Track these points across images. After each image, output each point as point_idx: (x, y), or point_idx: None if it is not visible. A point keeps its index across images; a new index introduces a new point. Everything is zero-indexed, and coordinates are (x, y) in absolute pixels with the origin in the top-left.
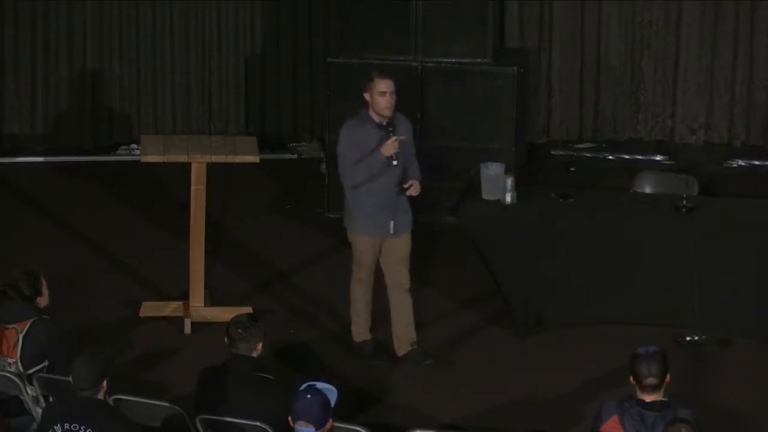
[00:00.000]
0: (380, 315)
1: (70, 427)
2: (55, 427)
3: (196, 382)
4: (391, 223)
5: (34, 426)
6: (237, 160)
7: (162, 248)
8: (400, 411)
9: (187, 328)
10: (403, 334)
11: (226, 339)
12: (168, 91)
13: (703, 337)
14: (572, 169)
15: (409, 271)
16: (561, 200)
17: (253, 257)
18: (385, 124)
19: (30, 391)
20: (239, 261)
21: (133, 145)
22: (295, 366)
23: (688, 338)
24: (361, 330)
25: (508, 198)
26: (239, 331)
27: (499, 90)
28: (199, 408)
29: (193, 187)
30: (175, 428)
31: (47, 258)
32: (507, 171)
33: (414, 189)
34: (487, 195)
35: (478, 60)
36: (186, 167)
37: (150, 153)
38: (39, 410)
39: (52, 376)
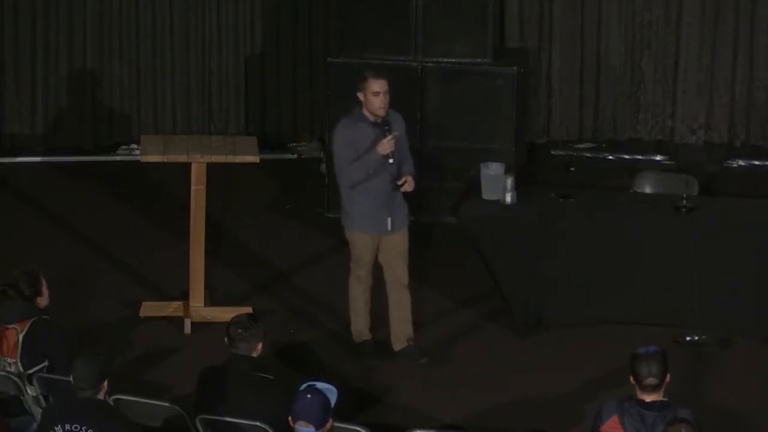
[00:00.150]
0: (380, 315)
1: (70, 427)
2: (55, 427)
3: (196, 382)
4: (389, 220)
5: (34, 426)
6: (237, 160)
7: (162, 248)
8: (400, 411)
9: (187, 328)
10: (400, 330)
11: (226, 339)
12: (168, 91)
13: (703, 337)
14: (572, 169)
15: (408, 267)
16: (561, 200)
17: (253, 257)
18: (379, 122)
19: (30, 391)
20: (239, 261)
21: (133, 145)
22: (295, 366)
23: (688, 338)
24: (360, 330)
25: (508, 198)
26: (239, 331)
27: (499, 90)
28: (199, 408)
29: (193, 187)
30: (175, 428)
31: (47, 258)
32: (507, 171)
33: (408, 185)
34: (487, 195)
35: (478, 60)
36: (186, 167)
37: (150, 153)
38: (39, 410)
39: (52, 376)
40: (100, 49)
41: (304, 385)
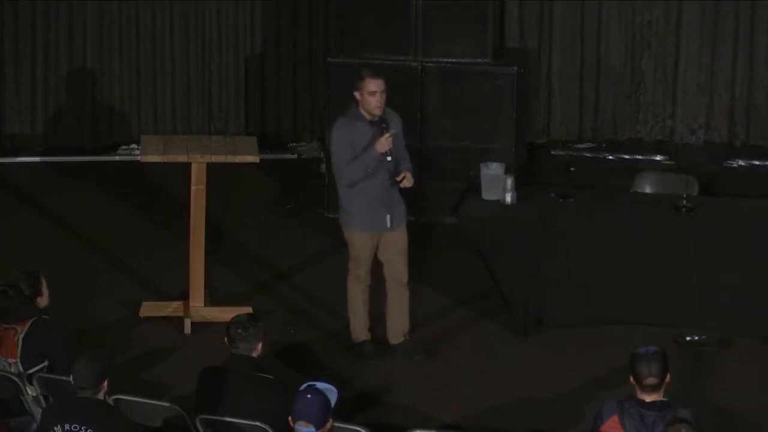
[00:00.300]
0: (379, 315)
1: (70, 427)
2: (55, 427)
3: (196, 382)
4: (388, 218)
5: (34, 426)
6: (237, 160)
7: (162, 248)
8: (400, 411)
9: (187, 328)
10: (397, 326)
11: (226, 339)
12: (168, 91)
13: (703, 337)
14: (572, 169)
15: (407, 264)
16: (561, 200)
17: (253, 257)
18: (376, 120)
19: (30, 391)
20: (239, 261)
21: (133, 145)
22: (295, 366)
23: (688, 338)
24: (360, 330)
25: (508, 198)
26: (239, 331)
27: (499, 90)
28: (199, 408)
29: (193, 187)
30: (175, 428)
31: (47, 258)
32: (507, 171)
33: (408, 180)
34: (487, 195)
35: (478, 60)
36: (186, 167)
37: (150, 153)
38: (39, 410)
39: (52, 376)
40: (100, 49)
41: (304, 385)
